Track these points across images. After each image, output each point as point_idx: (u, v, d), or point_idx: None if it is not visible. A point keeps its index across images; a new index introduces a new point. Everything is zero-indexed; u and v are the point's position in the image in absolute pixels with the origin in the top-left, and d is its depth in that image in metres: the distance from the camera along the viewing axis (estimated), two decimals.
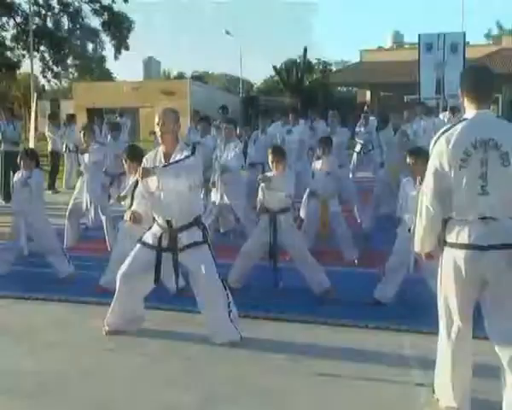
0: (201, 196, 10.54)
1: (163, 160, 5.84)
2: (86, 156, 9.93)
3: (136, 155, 7.18)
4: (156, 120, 5.82)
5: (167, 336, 6.10)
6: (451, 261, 4.28)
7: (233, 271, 7.39)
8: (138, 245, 6.02)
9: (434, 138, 4.26)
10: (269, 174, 7.41)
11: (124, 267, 6.00)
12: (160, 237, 5.85)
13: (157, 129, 5.83)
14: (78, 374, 5.27)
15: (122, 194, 7.24)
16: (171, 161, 5.77)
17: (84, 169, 10.09)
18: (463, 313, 4.39)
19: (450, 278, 4.33)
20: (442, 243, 4.32)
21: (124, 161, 7.41)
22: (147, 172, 5.66)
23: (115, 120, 20.72)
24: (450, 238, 4.27)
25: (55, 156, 17.74)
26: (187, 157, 5.73)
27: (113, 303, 6.11)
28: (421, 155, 6.90)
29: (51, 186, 16.85)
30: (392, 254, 6.94)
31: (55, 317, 6.78)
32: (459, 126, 4.19)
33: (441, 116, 16.65)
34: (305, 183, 9.97)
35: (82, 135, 10.17)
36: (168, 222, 5.83)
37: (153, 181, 5.68)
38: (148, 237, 5.96)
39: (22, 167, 8.21)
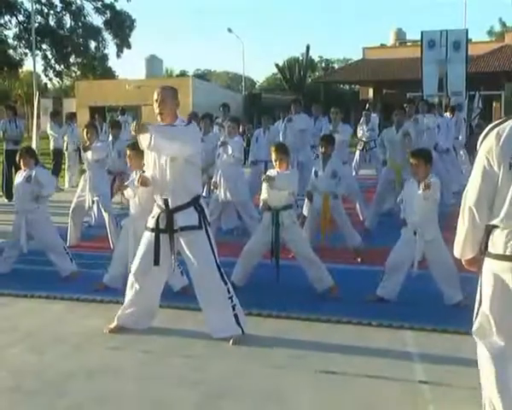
0: (204, 191, 10.60)
1: None
2: (89, 154, 9.92)
3: (139, 151, 7.15)
4: (155, 97, 5.76)
5: (170, 334, 6.10)
6: (496, 276, 3.73)
7: (236, 269, 7.38)
8: (145, 233, 6.00)
9: (483, 133, 3.75)
10: (272, 172, 7.36)
11: (136, 262, 6.01)
12: (158, 218, 5.83)
13: (155, 106, 5.76)
14: (81, 372, 5.27)
15: (125, 183, 7.21)
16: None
17: (86, 167, 10.11)
18: (510, 333, 3.82)
19: (495, 295, 3.76)
20: (484, 253, 3.84)
21: (128, 158, 7.40)
22: (141, 128, 5.54)
23: (116, 118, 20.80)
24: (495, 249, 3.73)
25: (58, 154, 17.76)
26: (184, 125, 5.73)
27: (128, 299, 6.10)
28: (424, 156, 6.89)
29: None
30: (392, 251, 6.92)
31: (58, 315, 6.78)
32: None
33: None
34: (307, 175, 9.96)
35: (85, 133, 10.17)
36: (166, 202, 5.79)
37: (145, 139, 5.54)
38: (150, 221, 5.96)
39: (22, 166, 8.21)
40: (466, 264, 4.05)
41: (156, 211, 5.89)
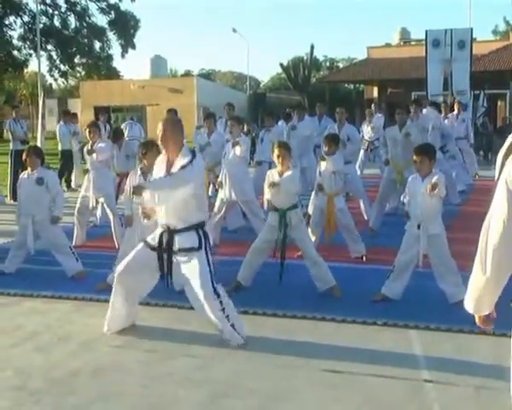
0: (210, 191, 10.60)
1: (165, 167, 5.86)
2: (93, 155, 9.95)
3: (153, 150, 7.21)
4: (158, 131, 5.82)
5: (174, 334, 6.12)
6: None
7: (243, 268, 7.38)
8: (140, 244, 6.07)
9: (504, 148, 2.89)
10: (274, 176, 7.32)
11: (122, 265, 6.02)
12: (161, 237, 5.87)
13: (159, 138, 5.82)
14: (86, 370, 5.29)
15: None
16: (172, 170, 5.79)
17: (90, 167, 10.12)
18: None
19: None
20: None
21: (141, 156, 7.39)
22: (139, 190, 5.92)
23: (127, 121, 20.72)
24: None
25: (66, 156, 17.60)
26: (183, 167, 5.71)
27: (112, 304, 6.12)
28: (427, 152, 6.90)
29: (68, 184, 16.94)
30: (400, 252, 6.92)
31: (64, 314, 6.80)
32: None
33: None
34: (310, 179, 9.95)
35: (87, 132, 10.18)
36: (168, 226, 5.84)
37: (149, 198, 5.89)
38: (151, 238, 6.00)
39: (28, 165, 8.22)
40: (481, 322, 3.19)
41: (159, 230, 5.94)
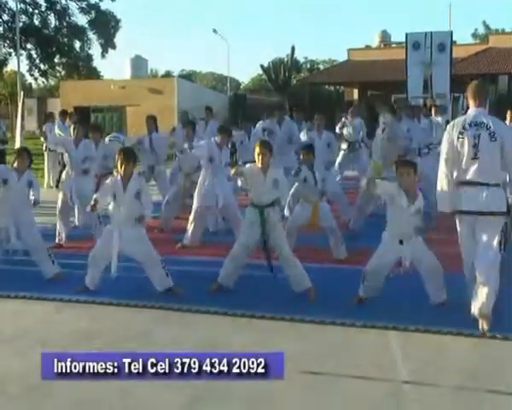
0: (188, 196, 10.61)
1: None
2: (73, 155, 9.86)
3: (131, 157, 7.32)
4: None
5: (154, 336, 6.09)
6: None
7: (224, 269, 7.33)
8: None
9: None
10: (254, 168, 7.36)
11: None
12: None
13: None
14: None
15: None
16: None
17: (69, 168, 10.02)
18: None
19: None
20: None
21: (118, 163, 7.38)
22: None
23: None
24: None
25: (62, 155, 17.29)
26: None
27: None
28: (413, 165, 6.78)
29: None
30: (375, 256, 6.80)
31: (42, 316, 6.75)
32: None
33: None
34: (290, 179, 9.96)
35: (74, 132, 10.06)
36: None
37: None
38: None
39: (18, 166, 8.12)
40: None
41: None
